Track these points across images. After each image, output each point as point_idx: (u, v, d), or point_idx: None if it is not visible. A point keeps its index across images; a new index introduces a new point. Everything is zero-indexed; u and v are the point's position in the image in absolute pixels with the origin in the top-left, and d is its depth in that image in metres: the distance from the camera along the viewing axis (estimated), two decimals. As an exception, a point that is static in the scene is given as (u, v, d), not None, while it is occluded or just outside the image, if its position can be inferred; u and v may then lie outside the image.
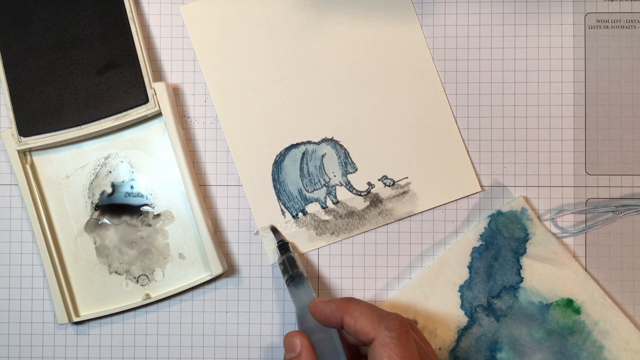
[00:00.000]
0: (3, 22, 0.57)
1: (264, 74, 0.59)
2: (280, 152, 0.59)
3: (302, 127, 0.59)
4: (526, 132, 0.59)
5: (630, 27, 0.59)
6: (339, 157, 0.59)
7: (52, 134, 0.56)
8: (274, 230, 0.58)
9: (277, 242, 0.57)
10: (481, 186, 0.59)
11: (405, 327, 0.47)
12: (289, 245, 0.57)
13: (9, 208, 0.59)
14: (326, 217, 0.58)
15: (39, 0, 0.57)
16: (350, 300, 0.49)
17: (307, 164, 0.59)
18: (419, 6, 0.59)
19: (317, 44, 0.59)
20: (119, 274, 0.58)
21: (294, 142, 0.59)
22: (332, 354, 0.50)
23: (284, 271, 0.55)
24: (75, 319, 0.57)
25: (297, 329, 0.53)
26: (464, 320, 0.57)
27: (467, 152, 0.59)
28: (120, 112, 0.56)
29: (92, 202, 0.58)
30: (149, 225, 0.58)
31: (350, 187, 0.59)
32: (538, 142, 0.59)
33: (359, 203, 0.59)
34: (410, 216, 0.59)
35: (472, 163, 0.59)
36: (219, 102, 0.59)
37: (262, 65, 0.59)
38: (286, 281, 0.55)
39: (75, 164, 0.58)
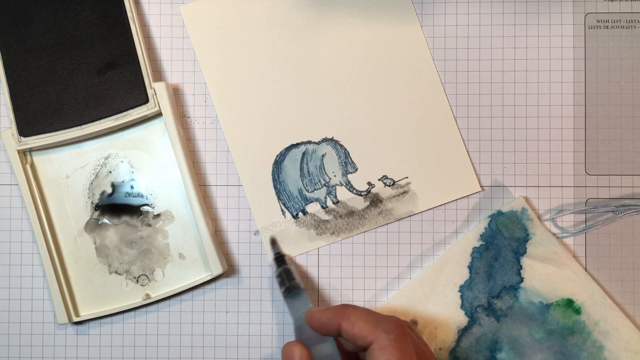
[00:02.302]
0: (3, 22, 0.57)
1: (264, 74, 0.59)
2: (281, 152, 0.59)
3: (302, 127, 0.59)
4: (526, 132, 0.59)
5: (630, 27, 0.59)
6: (339, 157, 0.59)
7: (52, 134, 0.56)
8: (273, 242, 0.58)
9: (274, 255, 0.57)
10: (481, 186, 0.59)
11: (403, 329, 0.47)
12: (286, 257, 0.57)
13: (9, 208, 0.59)
14: (326, 217, 0.58)
15: (39, 0, 0.57)
16: (347, 306, 0.49)
17: (307, 163, 0.59)
18: (419, 6, 0.59)
19: (317, 44, 0.59)
20: (119, 274, 0.58)
21: (294, 142, 0.59)
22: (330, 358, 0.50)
23: (281, 283, 0.55)
24: (75, 319, 0.57)
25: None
26: (464, 320, 0.57)
27: (467, 152, 0.59)
28: (120, 112, 0.56)
29: (92, 202, 0.58)
30: (149, 225, 0.58)
31: (350, 187, 0.59)
32: (538, 142, 0.59)
33: (359, 203, 0.59)
34: (410, 216, 0.59)
35: (472, 163, 0.59)
36: (219, 102, 0.59)
37: (262, 65, 0.59)
38: (283, 293, 0.55)
39: (75, 164, 0.58)
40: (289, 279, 0.55)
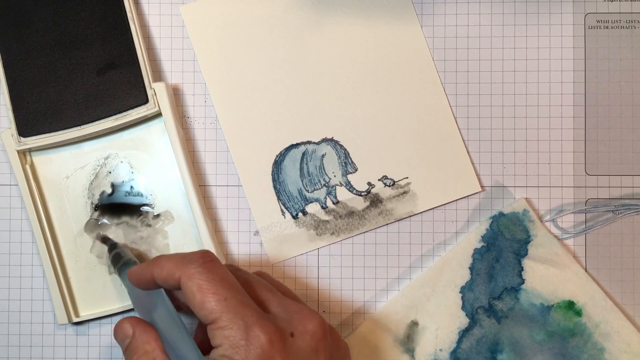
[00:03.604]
0: (3, 22, 0.57)
1: (264, 74, 0.59)
2: (280, 152, 0.59)
3: (302, 127, 0.59)
4: (526, 132, 0.59)
5: (630, 27, 0.59)
6: (339, 157, 0.59)
7: (52, 134, 0.56)
8: (104, 239, 0.57)
9: (109, 246, 0.56)
10: (481, 186, 0.59)
11: (210, 257, 0.46)
12: (117, 245, 0.56)
13: (9, 208, 0.59)
14: (326, 217, 0.58)
15: (39, 0, 0.57)
16: (160, 255, 0.48)
17: (307, 164, 0.59)
18: (419, 6, 0.60)
19: (317, 44, 0.59)
20: (119, 274, 0.58)
21: (294, 142, 0.59)
22: (166, 316, 0.49)
23: (114, 266, 0.54)
24: (75, 319, 0.57)
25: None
26: (465, 321, 0.57)
27: (468, 152, 0.59)
28: (120, 112, 0.56)
29: (92, 203, 0.58)
30: (149, 225, 0.58)
31: (350, 187, 0.59)
32: (538, 142, 0.59)
33: (359, 203, 0.59)
34: (410, 216, 0.59)
35: (472, 163, 0.59)
36: (219, 102, 0.59)
37: (262, 65, 0.59)
38: (117, 272, 0.54)
39: (75, 164, 0.58)
40: (119, 259, 0.54)
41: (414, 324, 0.57)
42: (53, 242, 0.57)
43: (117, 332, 0.49)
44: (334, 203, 0.59)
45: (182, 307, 0.51)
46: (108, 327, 0.58)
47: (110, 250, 0.56)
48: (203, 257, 0.46)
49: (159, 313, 0.49)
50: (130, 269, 0.50)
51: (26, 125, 0.56)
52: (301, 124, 0.59)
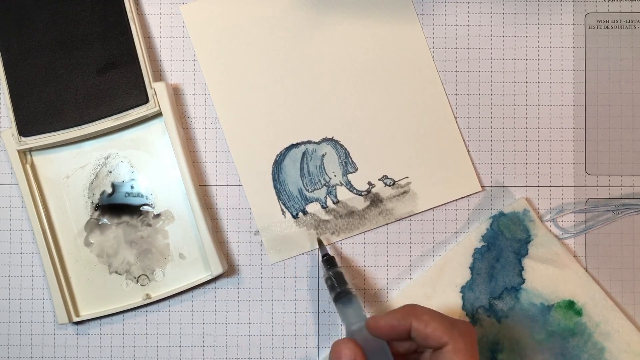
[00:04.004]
0: (3, 22, 0.57)
1: (264, 74, 0.59)
2: (281, 151, 0.59)
3: (302, 127, 0.59)
4: (526, 132, 0.59)
5: (630, 27, 0.59)
6: (339, 157, 0.59)
7: (52, 134, 0.56)
8: (320, 243, 0.58)
9: (322, 257, 0.57)
10: (482, 186, 0.59)
11: (475, 334, 0.47)
12: (335, 259, 0.56)
13: (9, 208, 0.59)
14: (326, 217, 0.58)
15: (39, 0, 0.57)
16: (415, 305, 0.48)
17: (307, 163, 0.59)
18: (419, 6, 0.60)
19: (317, 44, 0.59)
20: (119, 274, 0.58)
21: (294, 142, 0.59)
22: None
23: (331, 288, 0.54)
24: (75, 319, 0.57)
25: None
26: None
27: (468, 151, 0.59)
28: (120, 112, 0.56)
29: (92, 202, 0.58)
30: (149, 225, 0.58)
31: (350, 186, 0.59)
32: (538, 142, 0.59)
33: (359, 203, 0.59)
34: (410, 216, 0.59)
35: (472, 163, 0.59)
36: (219, 102, 0.59)
37: (262, 65, 0.59)
38: (334, 299, 0.54)
39: (75, 164, 0.58)
40: (340, 284, 0.54)
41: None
42: (53, 242, 0.57)
43: (334, 349, 0.47)
44: (334, 203, 0.59)
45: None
46: (108, 327, 0.59)
47: (326, 263, 0.56)
48: (472, 334, 0.47)
49: (377, 353, 0.48)
50: (376, 318, 0.48)
51: (26, 124, 0.56)
52: (301, 124, 0.59)
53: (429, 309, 0.47)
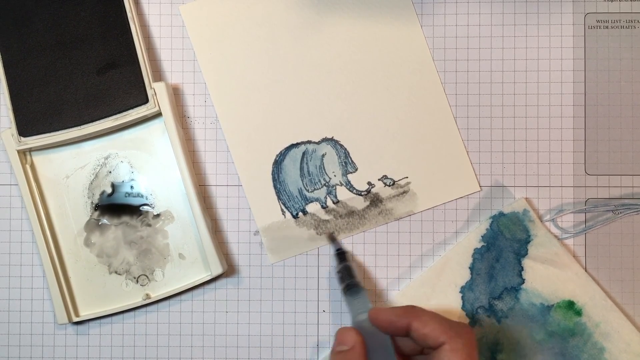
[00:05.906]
0: (3, 22, 0.57)
1: (264, 74, 0.59)
2: (280, 151, 0.59)
3: (302, 127, 0.59)
4: (526, 132, 0.59)
5: (630, 27, 0.59)
6: (339, 157, 0.59)
7: (52, 134, 0.56)
8: (332, 238, 0.58)
9: (336, 250, 0.57)
10: (481, 186, 0.59)
11: (475, 337, 0.48)
12: (347, 254, 0.57)
13: (9, 208, 0.59)
14: (326, 217, 0.58)
15: (39, 0, 0.57)
16: (415, 306, 0.49)
17: (307, 163, 0.59)
18: (419, 6, 0.60)
19: (317, 44, 0.59)
20: (119, 274, 0.58)
21: (294, 142, 0.59)
22: (385, 357, 0.49)
23: (341, 280, 0.55)
24: (75, 319, 0.57)
25: None
26: (465, 321, 0.57)
27: (467, 152, 0.59)
28: (120, 112, 0.56)
29: (92, 202, 0.58)
30: (149, 225, 0.58)
31: (350, 186, 0.59)
32: (538, 142, 0.59)
33: (359, 203, 0.59)
34: (410, 216, 0.59)
35: (471, 163, 0.59)
36: (219, 102, 0.59)
37: (262, 65, 0.59)
38: (342, 290, 0.55)
39: (75, 164, 0.58)
40: (350, 276, 0.55)
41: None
42: (53, 242, 0.57)
43: (339, 334, 0.49)
44: (334, 202, 0.59)
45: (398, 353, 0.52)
46: (108, 327, 0.59)
47: (338, 256, 0.57)
48: (471, 335, 0.47)
49: (378, 346, 0.49)
50: (378, 310, 0.50)
51: (26, 125, 0.56)
52: (301, 124, 0.59)
53: (429, 311, 0.48)
